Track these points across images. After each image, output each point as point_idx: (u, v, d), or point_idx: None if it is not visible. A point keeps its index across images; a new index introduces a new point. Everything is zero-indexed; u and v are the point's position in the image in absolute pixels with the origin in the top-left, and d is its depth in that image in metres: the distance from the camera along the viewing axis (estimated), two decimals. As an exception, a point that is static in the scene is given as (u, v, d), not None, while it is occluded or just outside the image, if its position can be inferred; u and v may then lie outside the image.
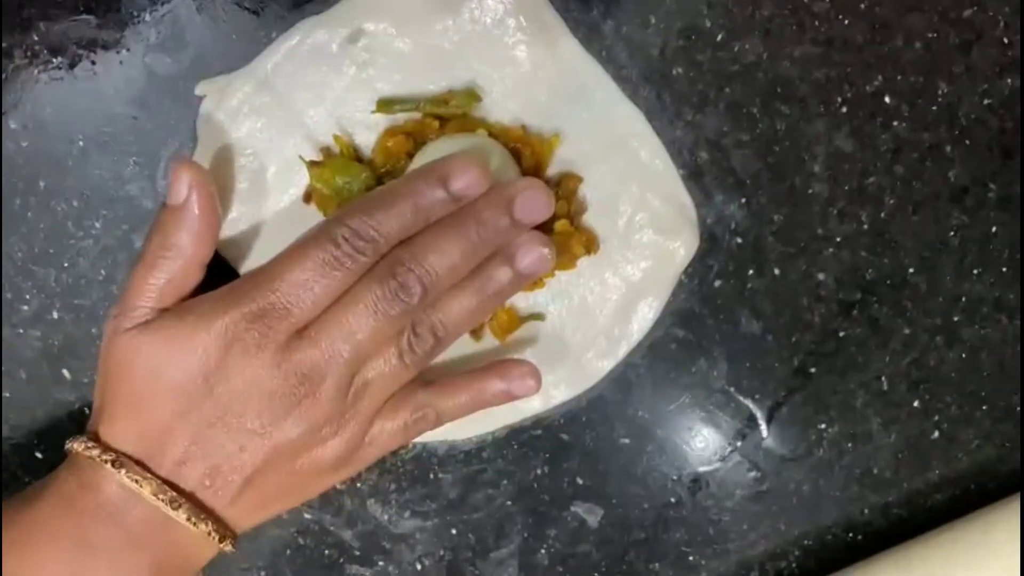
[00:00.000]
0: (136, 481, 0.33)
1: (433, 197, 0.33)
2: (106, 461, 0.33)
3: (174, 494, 0.33)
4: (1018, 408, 0.44)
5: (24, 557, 0.33)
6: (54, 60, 0.36)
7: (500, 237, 0.34)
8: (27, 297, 0.39)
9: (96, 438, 0.34)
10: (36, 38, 0.36)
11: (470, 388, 0.37)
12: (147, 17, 0.36)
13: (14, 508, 0.34)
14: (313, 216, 0.38)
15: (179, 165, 0.34)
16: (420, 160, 0.36)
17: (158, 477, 0.33)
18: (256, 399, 0.33)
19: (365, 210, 0.32)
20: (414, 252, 0.33)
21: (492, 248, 0.34)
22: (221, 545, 0.35)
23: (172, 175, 0.34)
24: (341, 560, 0.44)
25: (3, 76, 0.36)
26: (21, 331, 0.39)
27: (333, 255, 0.32)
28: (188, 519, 0.33)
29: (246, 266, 0.39)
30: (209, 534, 0.34)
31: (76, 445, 0.34)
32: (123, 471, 0.33)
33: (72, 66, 0.36)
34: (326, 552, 0.44)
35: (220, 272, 0.39)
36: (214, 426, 0.33)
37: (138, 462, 0.33)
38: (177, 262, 0.34)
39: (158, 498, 0.33)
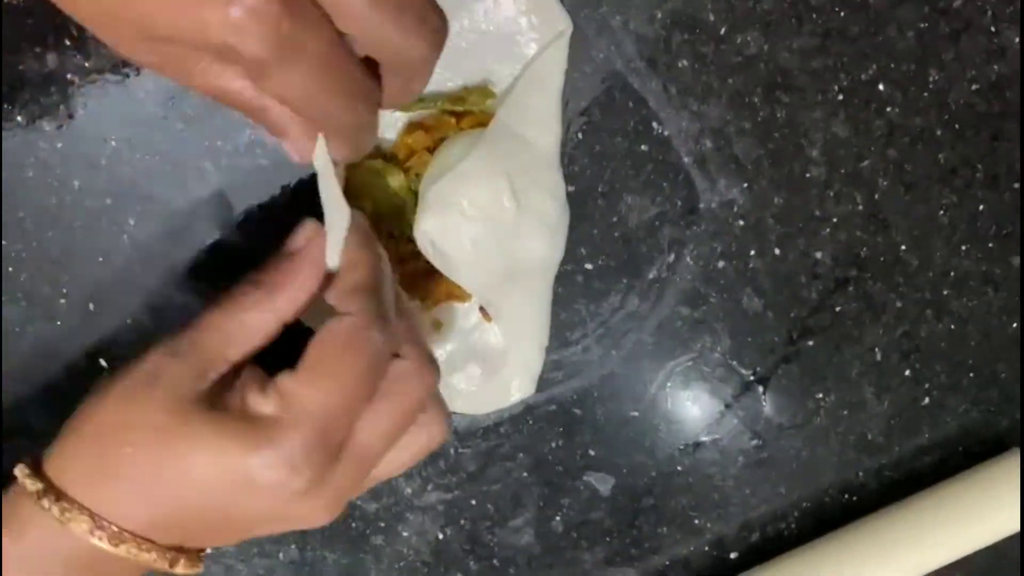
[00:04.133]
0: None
1: None
2: (48, 501, 0.31)
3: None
4: (1003, 375, 0.46)
5: None
6: (87, 64, 0.37)
7: None
8: (64, 291, 0.40)
9: (39, 467, 0.32)
10: (69, 43, 0.37)
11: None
12: (176, 22, 0.37)
13: None
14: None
15: (307, 224, 0.33)
16: (440, 155, 0.38)
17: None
18: None
19: None
20: None
21: None
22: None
23: (299, 227, 0.33)
24: (367, 531, 0.46)
25: (37, 80, 0.38)
26: (59, 324, 0.41)
27: None
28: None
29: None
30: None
31: (19, 471, 0.32)
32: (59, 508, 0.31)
33: (103, 70, 0.38)
34: (353, 524, 0.46)
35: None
36: None
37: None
38: (266, 307, 0.31)
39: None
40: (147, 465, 0.30)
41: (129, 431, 0.31)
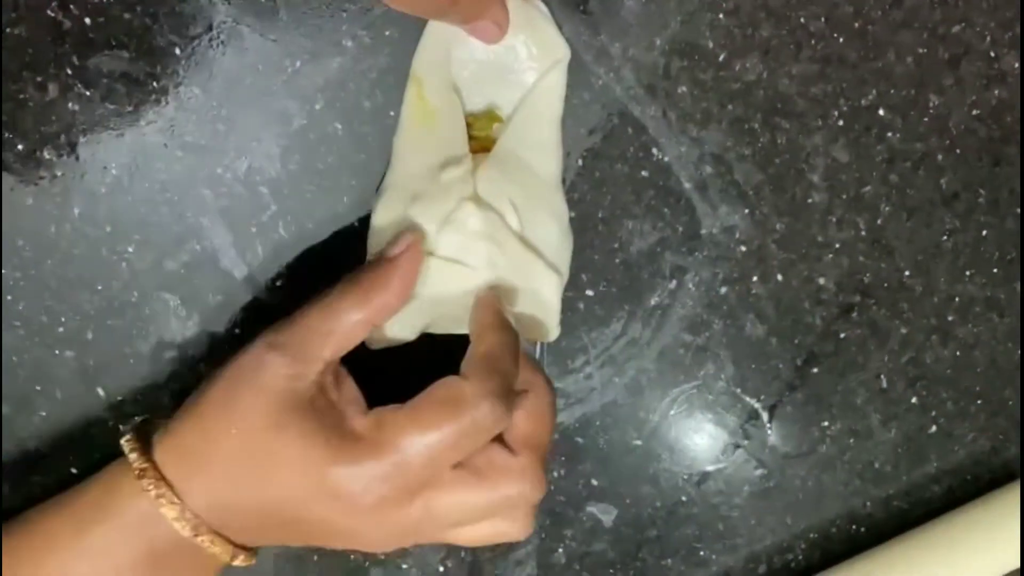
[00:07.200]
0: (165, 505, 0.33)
1: None
2: (148, 482, 0.33)
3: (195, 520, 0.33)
4: (1011, 402, 0.46)
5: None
6: (87, 93, 0.38)
7: None
8: (62, 319, 0.40)
9: (146, 442, 0.34)
10: (70, 72, 0.37)
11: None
12: (177, 51, 0.37)
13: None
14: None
15: (407, 233, 0.35)
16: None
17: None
18: None
19: None
20: None
21: None
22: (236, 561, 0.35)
23: (400, 237, 0.35)
24: (366, 564, 0.45)
25: (38, 109, 0.38)
26: (56, 352, 0.40)
27: None
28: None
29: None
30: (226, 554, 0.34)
31: (126, 444, 0.34)
32: (156, 492, 0.33)
33: (104, 98, 0.38)
34: (351, 557, 0.45)
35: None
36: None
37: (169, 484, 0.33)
38: (362, 308, 0.33)
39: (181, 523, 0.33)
40: (240, 455, 0.32)
41: (229, 421, 0.32)
